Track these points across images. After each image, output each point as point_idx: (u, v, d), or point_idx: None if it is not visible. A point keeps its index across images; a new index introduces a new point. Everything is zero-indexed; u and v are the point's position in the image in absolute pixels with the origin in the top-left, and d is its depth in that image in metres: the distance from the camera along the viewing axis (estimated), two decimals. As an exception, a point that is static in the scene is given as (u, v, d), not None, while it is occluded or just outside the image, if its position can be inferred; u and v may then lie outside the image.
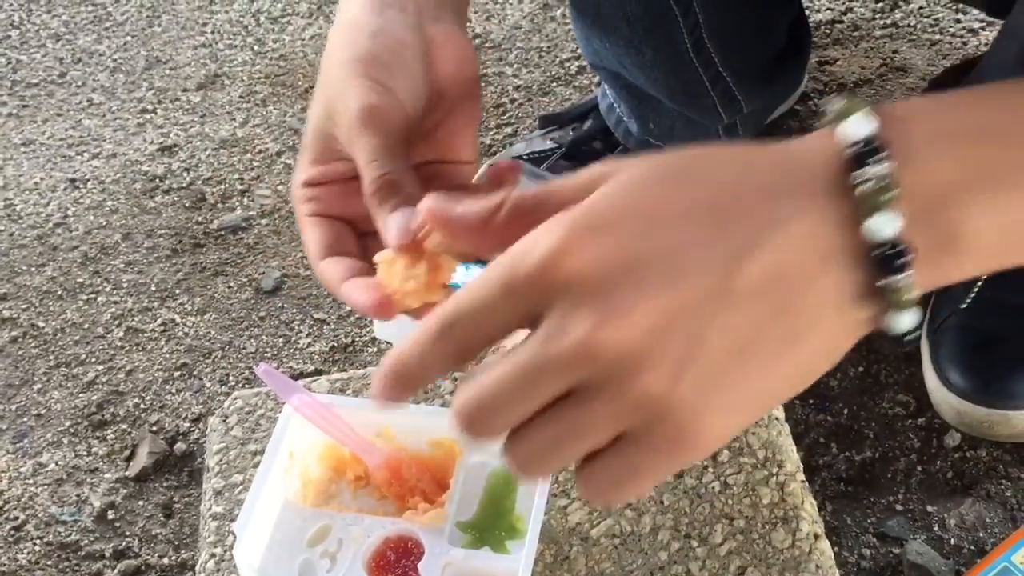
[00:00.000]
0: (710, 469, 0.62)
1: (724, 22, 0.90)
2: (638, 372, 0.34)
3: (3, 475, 0.94)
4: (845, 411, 0.89)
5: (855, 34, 1.21)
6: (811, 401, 0.90)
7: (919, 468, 0.85)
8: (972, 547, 0.79)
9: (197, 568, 0.63)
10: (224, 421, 0.70)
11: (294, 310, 1.06)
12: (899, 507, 0.83)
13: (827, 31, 1.22)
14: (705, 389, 0.34)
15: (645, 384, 0.34)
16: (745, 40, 0.95)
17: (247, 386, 0.98)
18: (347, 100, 0.49)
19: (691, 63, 0.90)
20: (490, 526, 0.59)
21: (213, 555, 0.63)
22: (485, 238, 0.40)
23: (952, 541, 0.80)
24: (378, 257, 0.48)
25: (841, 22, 1.23)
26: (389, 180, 0.48)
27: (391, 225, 0.47)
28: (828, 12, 1.24)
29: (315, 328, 1.04)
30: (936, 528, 0.81)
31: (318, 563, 0.58)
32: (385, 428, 0.62)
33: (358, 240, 0.52)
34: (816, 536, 0.59)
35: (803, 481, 0.62)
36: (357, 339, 1.02)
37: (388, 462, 0.62)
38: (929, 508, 0.82)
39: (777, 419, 0.65)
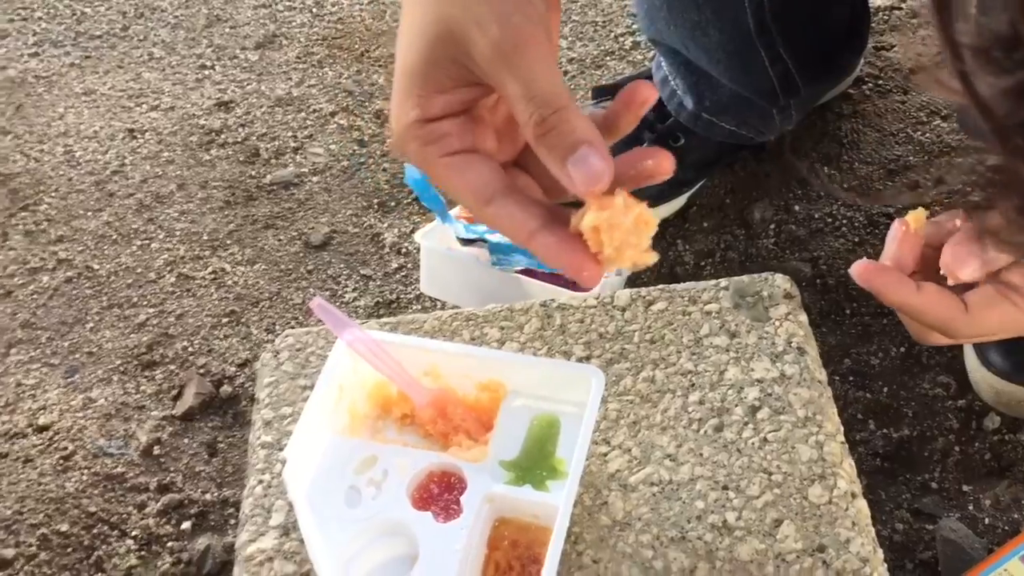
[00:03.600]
0: (750, 425, 0.63)
1: (787, 4, 0.90)
2: None
3: (54, 407, 0.97)
4: (885, 389, 0.89)
5: (913, 21, 1.21)
6: (851, 378, 0.91)
7: (957, 448, 0.85)
8: (1007, 527, 0.80)
9: (244, 493, 0.65)
10: (275, 356, 0.71)
11: (341, 265, 1.08)
12: (934, 485, 0.83)
13: (885, 17, 1.22)
14: None
15: None
16: (806, 23, 0.95)
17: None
18: (488, 23, 0.44)
19: (753, 45, 0.91)
20: (532, 466, 0.60)
21: (261, 481, 0.65)
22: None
23: (987, 520, 0.80)
24: (585, 224, 0.45)
25: (900, 8, 1.23)
26: (560, 116, 0.44)
27: (578, 173, 0.43)
28: (887, -2, 1.24)
29: (361, 283, 1.06)
30: (971, 508, 0.81)
31: (364, 490, 0.59)
32: (433, 367, 0.63)
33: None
34: (853, 495, 0.60)
35: (843, 442, 0.63)
36: (402, 296, 1.04)
37: (434, 401, 0.63)
38: (965, 488, 0.83)
39: (820, 382, 0.65)
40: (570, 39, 1.27)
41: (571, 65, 1.24)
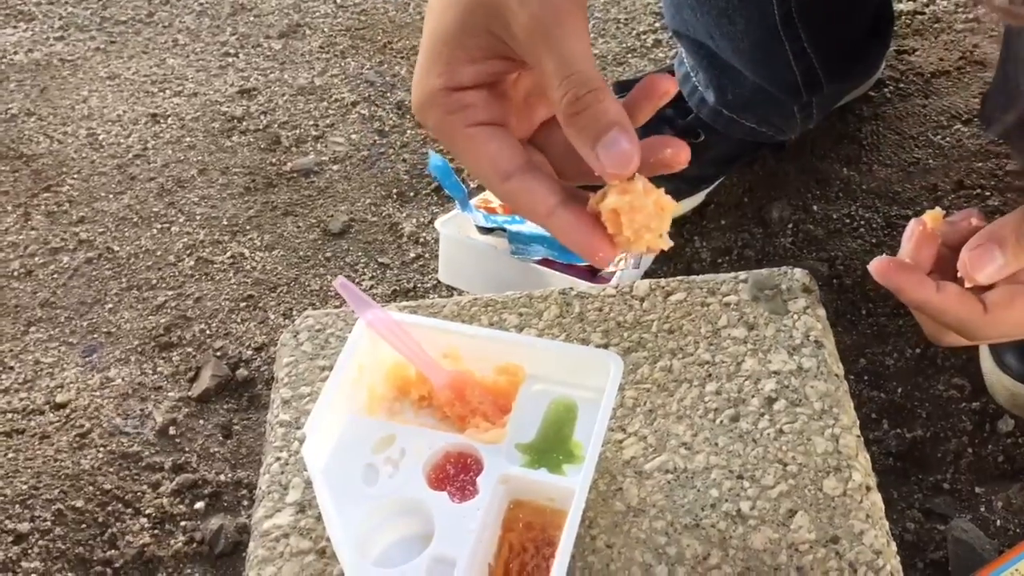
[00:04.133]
0: (766, 416, 0.63)
1: None
2: None
3: (72, 386, 0.98)
4: (899, 390, 0.89)
5: (936, 26, 1.21)
6: (866, 378, 0.91)
7: (969, 450, 0.85)
8: (1018, 530, 0.80)
9: (261, 470, 0.65)
10: (295, 337, 0.72)
11: (359, 253, 1.08)
12: (946, 486, 0.83)
13: (908, 21, 1.22)
14: None
15: None
16: (831, 19, 0.95)
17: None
18: None
19: (778, 36, 0.91)
20: (548, 450, 0.60)
21: (278, 458, 0.65)
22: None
23: (998, 522, 0.80)
24: (605, 205, 0.46)
25: (923, 13, 1.23)
26: (594, 97, 0.43)
27: (608, 156, 0.43)
28: (910, 3, 1.24)
29: (379, 272, 1.06)
30: (983, 509, 0.81)
31: (381, 468, 0.60)
32: (453, 349, 0.64)
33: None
34: (868, 488, 0.60)
35: (858, 435, 0.63)
36: (419, 285, 1.04)
37: (452, 383, 0.63)
38: (977, 489, 0.83)
39: (836, 375, 0.66)
40: (592, 36, 1.28)
41: (592, 61, 1.24)
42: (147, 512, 0.89)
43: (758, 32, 0.91)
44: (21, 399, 0.97)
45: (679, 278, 0.71)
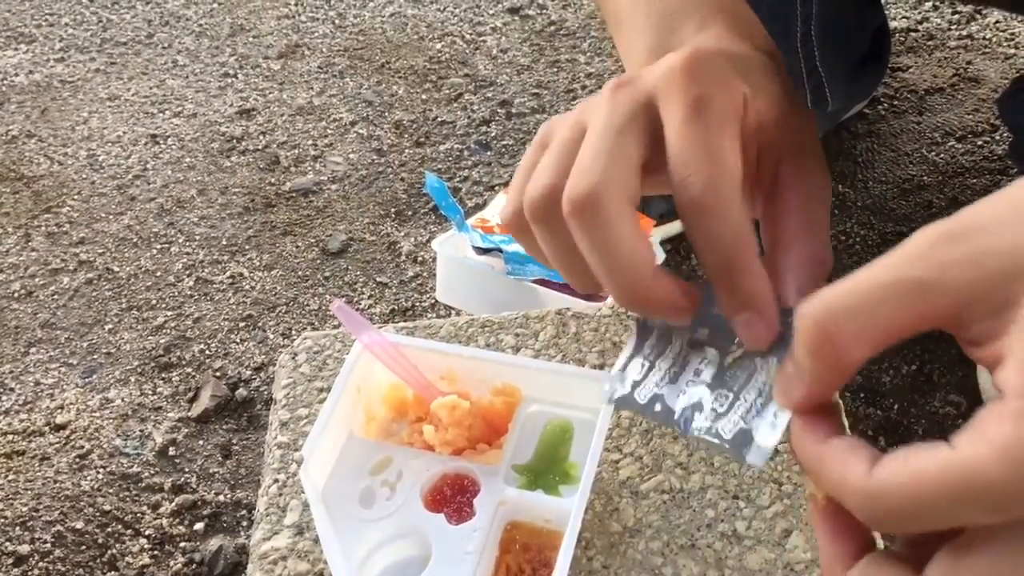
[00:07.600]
0: (762, 436, 0.64)
1: (830, 17, 0.92)
2: None
3: (71, 407, 0.98)
4: (896, 407, 0.90)
5: (929, 43, 1.22)
6: (862, 395, 0.91)
7: (966, 467, 0.85)
8: (1015, 546, 0.80)
9: (260, 492, 0.66)
10: (293, 358, 0.72)
11: (358, 272, 1.09)
12: (944, 503, 0.83)
13: (902, 39, 1.23)
14: None
15: None
16: (841, 38, 0.96)
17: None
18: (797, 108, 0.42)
19: (796, 53, 0.92)
20: (544, 471, 0.61)
21: (276, 480, 0.66)
22: None
23: (995, 539, 0.81)
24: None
25: (916, 31, 1.24)
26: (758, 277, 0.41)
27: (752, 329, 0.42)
28: (904, 20, 1.25)
29: (377, 291, 1.07)
30: (980, 526, 0.82)
31: (378, 491, 0.60)
32: (450, 371, 0.64)
33: None
34: (863, 507, 0.61)
35: (853, 455, 0.63)
36: (417, 304, 1.05)
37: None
38: (974, 506, 0.83)
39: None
40: (588, 54, 1.28)
41: (589, 80, 1.25)
42: (147, 533, 0.89)
43: (780, 48, 0.92)
44: (21, 420, 0.98)
45: (674, 298, 0.72)
